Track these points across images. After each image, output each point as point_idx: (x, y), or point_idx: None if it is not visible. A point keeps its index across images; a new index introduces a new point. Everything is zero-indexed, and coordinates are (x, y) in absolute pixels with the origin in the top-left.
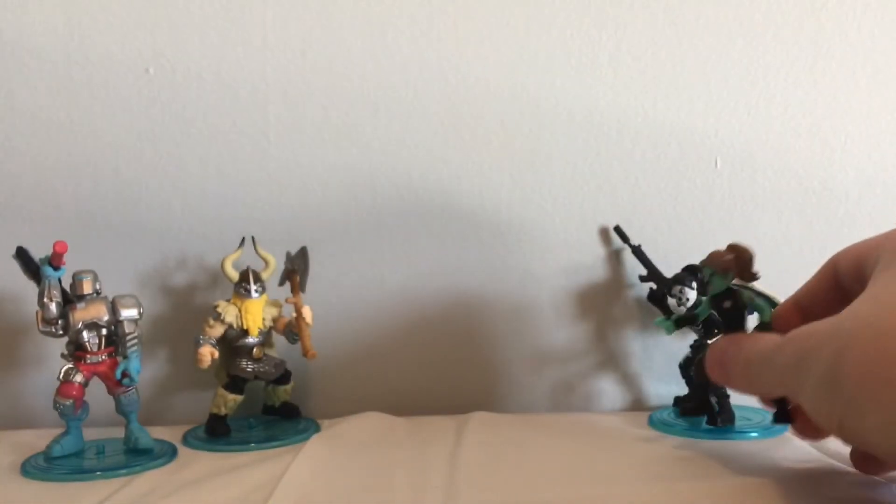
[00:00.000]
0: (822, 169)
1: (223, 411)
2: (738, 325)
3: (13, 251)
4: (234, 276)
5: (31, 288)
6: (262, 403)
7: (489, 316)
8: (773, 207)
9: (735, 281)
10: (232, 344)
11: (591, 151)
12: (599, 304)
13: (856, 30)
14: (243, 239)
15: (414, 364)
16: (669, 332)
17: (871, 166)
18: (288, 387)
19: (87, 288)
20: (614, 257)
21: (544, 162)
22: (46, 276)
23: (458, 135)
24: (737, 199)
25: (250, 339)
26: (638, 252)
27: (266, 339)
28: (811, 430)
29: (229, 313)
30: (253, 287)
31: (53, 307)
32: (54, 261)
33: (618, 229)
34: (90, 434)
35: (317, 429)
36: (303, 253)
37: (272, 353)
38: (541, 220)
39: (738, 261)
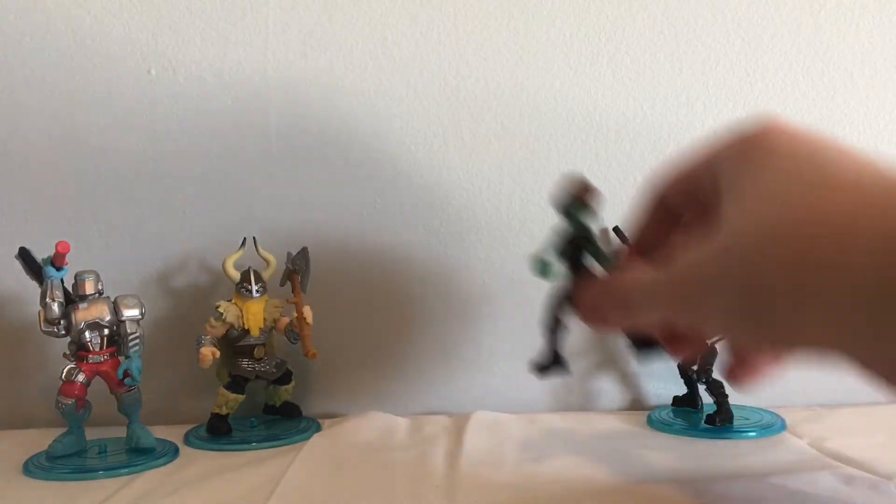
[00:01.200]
0: None
1: (224, 411)
2: (586, 266)
3: (16, 251)
4: (236, 276)
5: (33, 288)
6: (263, 403)
7: (489, 316)
8: None
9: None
10: (233, 344)
11: (591, 151)
12: None
13: (854, 31)
14: (244, 239)
15: (414, 364)
16: (553, 275)
17: None
18: (289, 386)
19: (89, 288)
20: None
21: (544, 162)
22: (49, 276)
23: (458, 135)
24: None
25: (251, 339)
26: None
27: (267, 339)
28: (685, 349)
29: (231, 313)
30: (254, 287)
31: (56, 307)
32: (56, 261)
33: (617, 229)
34: (92, 433)
35: (317, 428)
36: (304, 253)
37: (273, 352)
38: (541, 220)
39: (591, 193)
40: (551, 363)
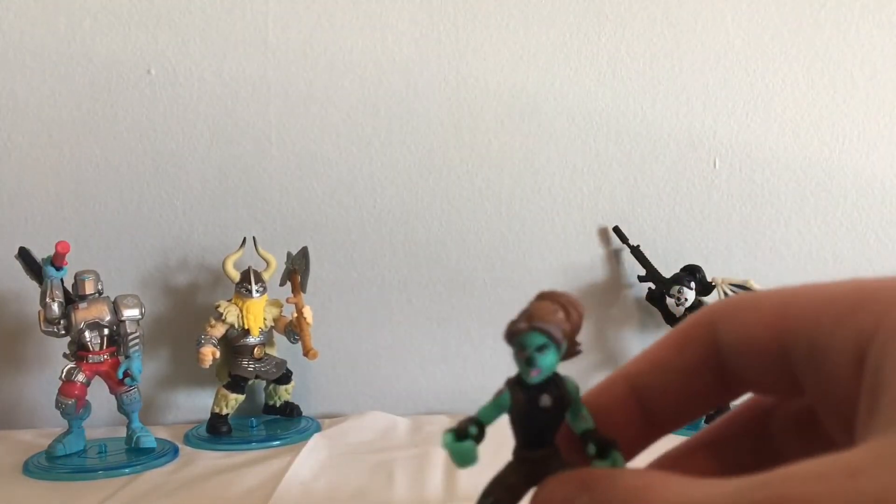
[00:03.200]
0: (820, 169)
1: (224, 410)
2: (552, 433)
3: (16, 251)
4: (236, 276)
5: (33, 288)
6: (264, 403)
7: (489, 316)
8: (771, 207)
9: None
10: (233, 343)
11: (591, 152)
12: (599, 304)
13: (854, 31)
14: (244, 239)
15: (415, 363)
16: (462, 460)
17: (870, 166)
18: (289, 386)
19: (89, 288)
20: (613, 257)
21: (544, 162)
22: (49, 276)
23: (458, 135)
24: (735, 200)
25: (251, 339)
26: (637, 252)
27: (267, 338)
28: None
29: (231, 313)
30: (254, 287)
31: (56, 307)
32: (56, 261)
33: (617, 230)
34: (92, 433)
35: (317, 428)
36: (304, 253)
37: (273, 352)
38: (541, 220)
39: (570, 322)
40: None
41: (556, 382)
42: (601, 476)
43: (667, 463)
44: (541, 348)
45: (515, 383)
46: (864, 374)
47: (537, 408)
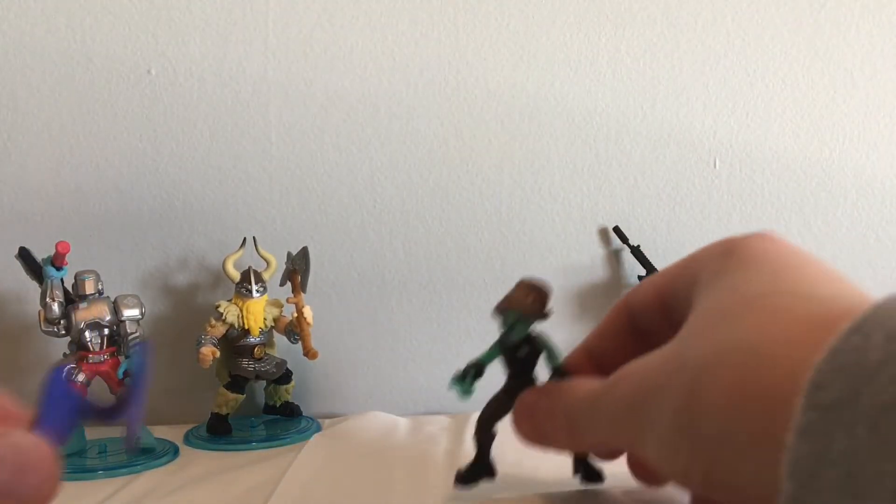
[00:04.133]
0: (820, 169)
1: (224, 411)
2: (530, 373)
3: (16, 251)
4: (236, 276)
5: (33, 288)
6: (264, 403)
7: (489, 315)
8: (771, 208)
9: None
10: (233, 343)
11: (591, 152)
12: (599, 304)
13: (854, 31)
14: (244, 239)
15: (415, 363)
16: (464, 394)
17: (870, 166)
18: (289, 386)
19: (89, 288)
20: (613, 257)
21: (544, 162)
22: (49, 276)
23: (458, 135)
24: (735, 200)
25: (252, 339)
26: (637, 252)
27: (267, 338)
28: (649, 476)
29: (231, 313)
30: (254, 287)
31: (56, 307)
32: (57, 261)
33: (617, 230)
34: (92, 433)
35: (318, 428)
36: (304, 253)
37: (273, 352)
38: (541, 220)
39: (540, 302)
40: (479, 474)
41: (530, 339)
42: (551, 387)
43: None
44: (515, 321)
45: (502, 341)
46: (693, 304)
47: (516, 356)
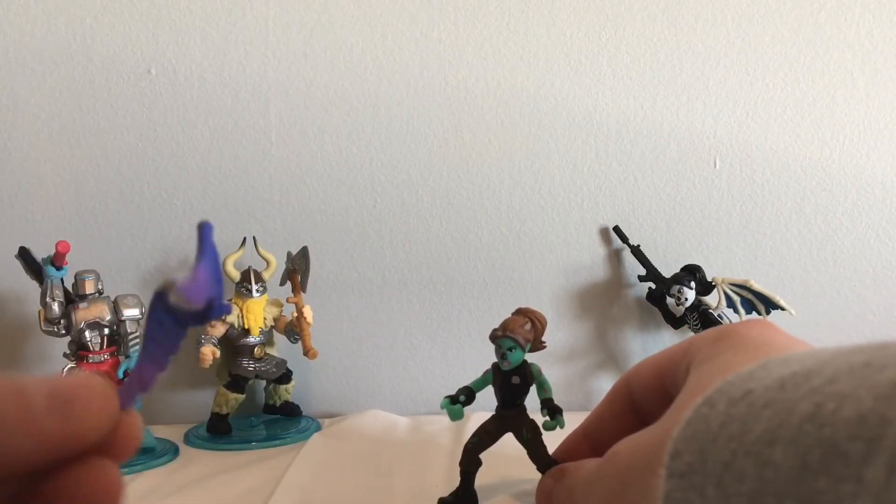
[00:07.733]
0: (820, 169)
1: (224, 410)
2: (520, 403)
3: (16, 251)
4: (236, 275)
5: (33, 288)
6: (264, 402)
7: (489, 316)
8: (771, 208)
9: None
10: (233, 343)
11: (591, 151)
12: (599, 304)
13: (854, 31)
14: (244, 239)
15: (415, 363)
16: (455, 417)
17: (870, 166)
18: (289, 386)
19: (89, 287)
20: (614, 257)
21: (544, 162)
22: (49, 275)
23: (458, 135)
24: (735, 200)
25: (251, 339)
26: (637, 252)
27: (267, 338)
28: None
29: (231, 313)
30: (254, 287)
31: (56, 307)
32: (57, 261)
33: (617, 229)
34: None
35: (317, 428)
36: (304, 253)
37: (273, 352)
38: (541, 219)
39: (535, 330)
40: (462, 503)
41: (523, 368)
42: (565, 468)
43: (562, 448)
44: (511, 349)
45: (496, 367)
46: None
47: (509, 384)
